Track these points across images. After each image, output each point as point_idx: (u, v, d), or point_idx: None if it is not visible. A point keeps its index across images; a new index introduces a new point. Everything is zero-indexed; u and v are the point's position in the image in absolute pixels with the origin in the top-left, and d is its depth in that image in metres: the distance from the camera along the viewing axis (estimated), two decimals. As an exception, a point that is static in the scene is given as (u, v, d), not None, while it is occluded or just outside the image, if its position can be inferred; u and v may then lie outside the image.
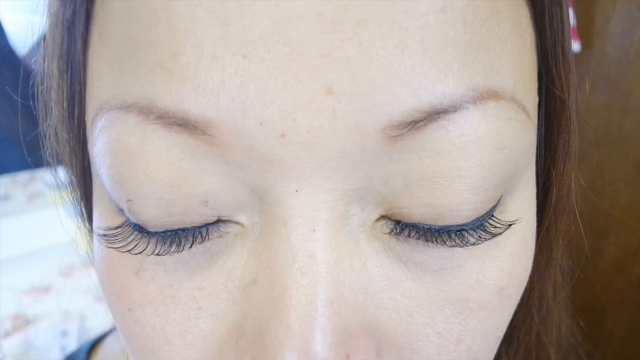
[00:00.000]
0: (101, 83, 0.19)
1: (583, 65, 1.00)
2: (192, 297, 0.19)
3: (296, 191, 0.17)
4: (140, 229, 0.19)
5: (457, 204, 0.17)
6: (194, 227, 0.18)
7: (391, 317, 0.18)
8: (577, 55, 0.98)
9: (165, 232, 0.18)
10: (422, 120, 0.16)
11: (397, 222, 0.18)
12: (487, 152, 0.17)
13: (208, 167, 0.17)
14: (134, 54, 0.17)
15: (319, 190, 0.17)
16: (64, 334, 1.13)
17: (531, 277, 0.25)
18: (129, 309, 0.20)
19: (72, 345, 1.08)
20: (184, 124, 0.16)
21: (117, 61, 0.18)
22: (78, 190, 0.25)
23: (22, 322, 1.15)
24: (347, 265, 0.18)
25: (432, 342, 0.19)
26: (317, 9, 0.15)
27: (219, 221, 0.18)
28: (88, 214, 0.26)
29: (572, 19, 0.95)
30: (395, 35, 0.15)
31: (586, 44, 0.98)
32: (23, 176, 1.37)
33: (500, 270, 0.19)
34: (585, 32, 0.98)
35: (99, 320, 1.18)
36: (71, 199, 0.26)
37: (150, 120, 0.17)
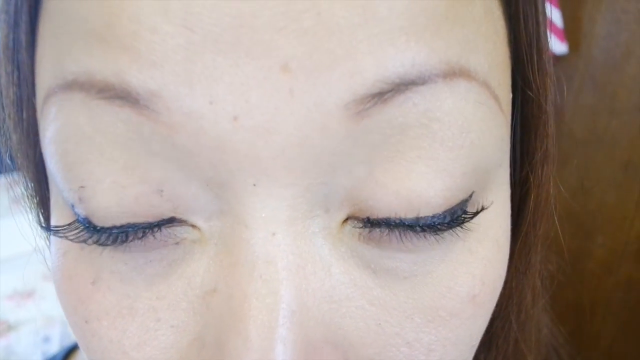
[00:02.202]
0: (44, 69, 0.18)
1: (570, 67, 1.00)
2: (150, 307, 0.18)
3: (254, 185, 0.16)
4: (88, 225, 0.18)
5: (423, 188, 0.16)
6: (147, 222, 0.17)
7: (358, 327, 0.18)
8: (564, 57, 0.99)
9: (112, 227, 0.17)
10: (388, 92, 0.15)
11: (367, 220, 0.17)
12: (450, 131, 0.16)
13: (157, 150, 0.16)
14: (70, 29, 0.16)
15: (277, 184, 0.16)
16: (46, 339, 1.12)
17: (509, 283, 0.24)
18: (86, 321, 0.19)
19: (54, 351, 1.06)
20: (125, 97, 0.15)
21: (56, 40, 0.17)
22: (35, 196, 0.24)
23: (3, 327, 1.13)
24: (309, 272, 0.17)
25: (401, 353, 0.18)
26: None
27: (173, 220, 0.17)
28: (46, 220, 0.25)
29: (559, 21, 0.95)
30: (359, 4, 0.14)
31: (573, 46, 0.99)
32: (5, 179, 1.35)
33: (472, 276, 0.19)
34: (572, 35, 0.99)
35: (83, 325, 1.16)
36: (29, 206, 0.25)
37: (92, 96, 0.16)
